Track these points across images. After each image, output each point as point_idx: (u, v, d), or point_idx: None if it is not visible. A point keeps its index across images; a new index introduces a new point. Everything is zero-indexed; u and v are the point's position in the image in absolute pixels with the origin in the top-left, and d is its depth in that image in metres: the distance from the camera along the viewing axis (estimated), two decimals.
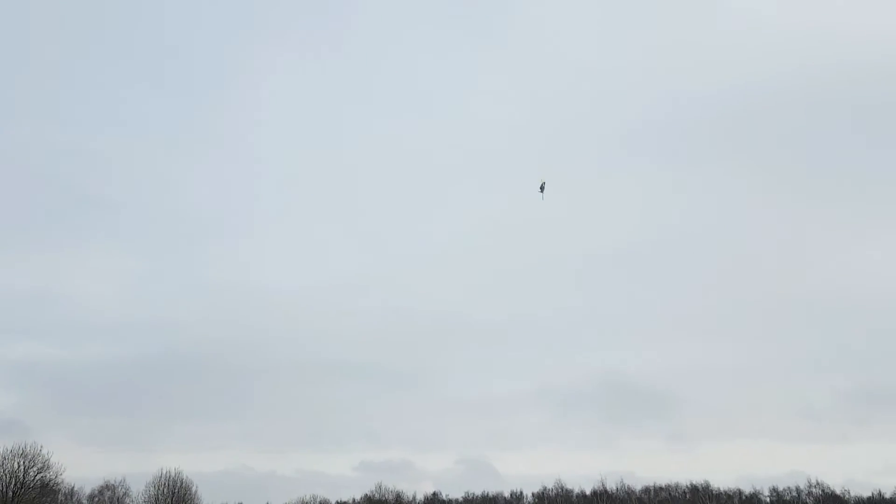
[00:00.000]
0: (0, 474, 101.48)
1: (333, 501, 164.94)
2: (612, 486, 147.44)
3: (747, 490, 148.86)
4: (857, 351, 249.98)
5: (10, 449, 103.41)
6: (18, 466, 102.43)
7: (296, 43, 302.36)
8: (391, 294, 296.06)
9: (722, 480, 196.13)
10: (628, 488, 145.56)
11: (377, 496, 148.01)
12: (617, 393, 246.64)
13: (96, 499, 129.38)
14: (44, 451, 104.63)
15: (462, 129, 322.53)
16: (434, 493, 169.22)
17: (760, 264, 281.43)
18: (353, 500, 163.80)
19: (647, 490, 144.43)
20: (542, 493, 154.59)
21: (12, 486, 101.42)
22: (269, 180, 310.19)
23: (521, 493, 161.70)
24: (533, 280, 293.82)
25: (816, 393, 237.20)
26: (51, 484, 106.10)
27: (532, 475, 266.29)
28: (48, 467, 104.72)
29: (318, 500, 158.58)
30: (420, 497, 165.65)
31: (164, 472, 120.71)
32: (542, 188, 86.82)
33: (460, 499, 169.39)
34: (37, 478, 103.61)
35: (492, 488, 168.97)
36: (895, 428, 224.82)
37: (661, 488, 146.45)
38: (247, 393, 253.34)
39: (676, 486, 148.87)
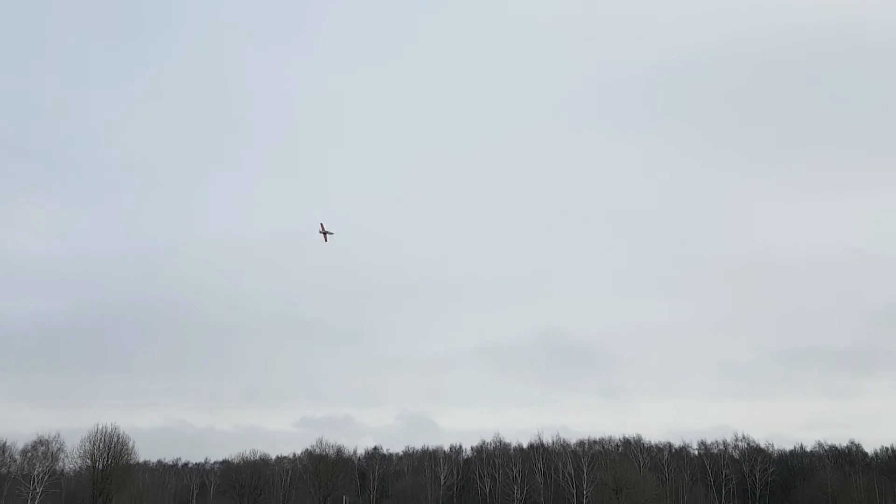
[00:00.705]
0: None
1: (274, 456, 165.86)
2: (548, 439, 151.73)
3: (677, 443, 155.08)
4: (782, 311, 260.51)
5: None
6: None
7: None
8: (338, 252, 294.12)
9: (653, 434, 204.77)
10: (564, 441, 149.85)
11: (318, 451, 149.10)
12: (554, 351, 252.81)
13: (29, 454, 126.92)
14: None
15: (412, 86, 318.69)
16: (375, 448, 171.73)
17: (698, 226, 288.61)
18: (294, 455, 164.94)
19: (581, 443, 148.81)
20: (481, 446, 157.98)
21: None
22: (208, 131, 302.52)
23: (461, 446, 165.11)
24: (474, 239, 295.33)
25: (743, 352, 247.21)
26: None
27: (471, 430, 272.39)
28: None
29: (259, 454, 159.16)
30: (361, 452, 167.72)
31: (101, 427, 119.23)
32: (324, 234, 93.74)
33: (401, 453, 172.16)
34: None
35: (432, 443, 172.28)
36: (817, 385, 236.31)
37: (595, 441, 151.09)
38: (185, 350, 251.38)
39: (610, 439, 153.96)
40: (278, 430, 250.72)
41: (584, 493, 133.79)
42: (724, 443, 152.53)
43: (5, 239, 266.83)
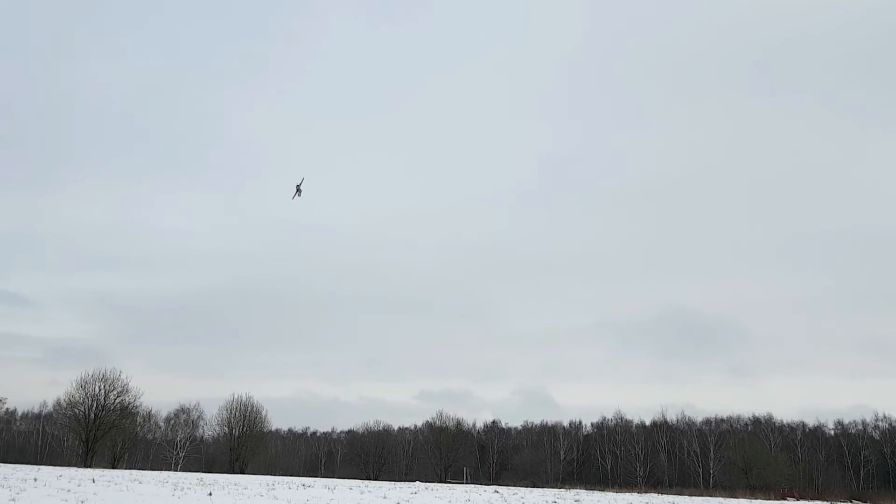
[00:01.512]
0: (83, 398, 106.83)
1: (396, 427, 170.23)
2: (672, 417, 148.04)
3: (811, 423, 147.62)
4: None
5: (91, 374, 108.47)
6: (100, 390, 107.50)
7: None
8: (450, 230, 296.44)
9: (784, 413, 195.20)
10: (689, 419, 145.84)
11: (438, 423, 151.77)
12: (676, 326, 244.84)
13: (172, 421, 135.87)
14: (122, 377, 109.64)
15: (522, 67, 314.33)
16: (493, 422, 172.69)
17: (819, 194, 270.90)
18: (415, 426, 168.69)
19: (707, 421, 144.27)
20: (602, 422, 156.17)
21: (94, 408, 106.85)
22: (327, 115, 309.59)
23: (580, 422, 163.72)
24: (587, 212, 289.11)
25: (883, 327, 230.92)
26: (130, 407, 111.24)
27: (590, 406, 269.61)
28: (127, 391, 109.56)
29: (381, 425, 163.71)
30: (480, 425, 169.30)
31: (236, 396, 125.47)
32: (298, 189, 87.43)
33: (519, 427, 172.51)
34: (117, 401, 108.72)
35: (550, 418, 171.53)
36: None
37: (722, 420, 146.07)
38: (311, 323, 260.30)
39: (738, 417, 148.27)
40: (399, 402, 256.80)
41: (711, 472, 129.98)
42: (864, 423, 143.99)
43: (144, 218, 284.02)
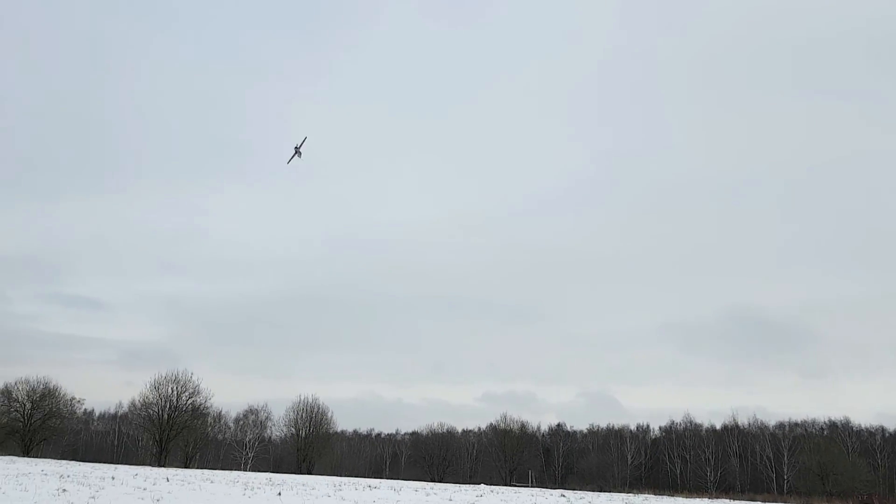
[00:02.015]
0: (157, 399, 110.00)
1: (460, 429, 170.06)
2: (743, 421, 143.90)
3: (891, 427, 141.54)
4: None
5: (164, 375, 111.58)
6: (172, 391, 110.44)
7: None
8: (509, 230, 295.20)
9: (862, 418, 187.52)
10: (761, 423, 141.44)
11: (502, 425, 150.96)
12: (744, 327, 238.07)
13: (241, 422, 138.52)
14: (194, 378, 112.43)
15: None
16: (558, 424, 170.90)
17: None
18: (479, 429, 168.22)
19: (781, 426, 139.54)
20: (670, 426, 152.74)
21: (167, 409, 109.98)
22: (385, 118, 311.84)
23: (648, 426, 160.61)
24: (650, 212, 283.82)
25: None
26: (201, 408, 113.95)
27: (657, 409, 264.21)
28: (198, 392, 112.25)
29: (446, 427, 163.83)
30: (545, 428, 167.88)
31: (302, 398, 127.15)
32: (298, 150, 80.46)
33: (585, 430, 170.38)
34: (188, 402, 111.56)
35: (615, 421, 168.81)
36: None
37: (796, 424, 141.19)
38: (373, 326, 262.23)
39: (813, 422, 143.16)
40: (462, 404, 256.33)
41: (785, 477, 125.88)
42: None
43: (211, 224, 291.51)
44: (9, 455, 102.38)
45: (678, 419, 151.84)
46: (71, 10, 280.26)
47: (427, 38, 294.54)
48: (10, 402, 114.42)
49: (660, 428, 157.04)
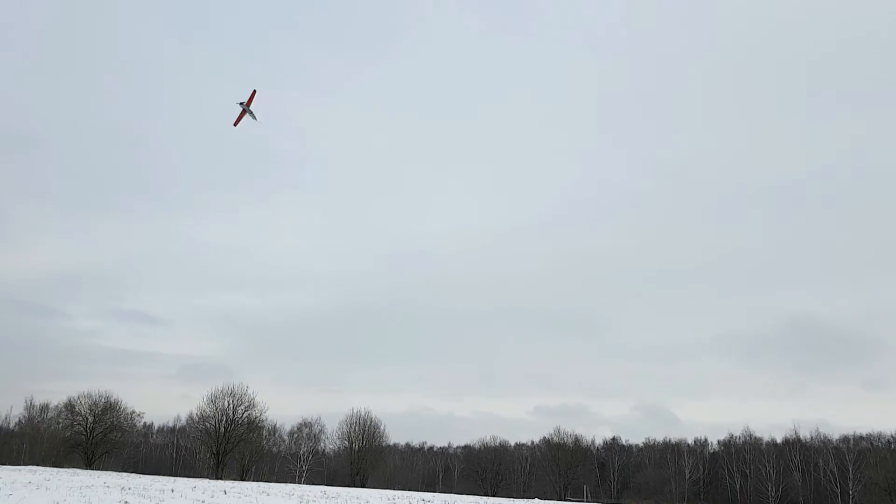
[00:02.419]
0: (213, 412, 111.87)
1: (512, 443, 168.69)
2: (806, 434, 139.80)
3: None
4: None
5: (220, 389, 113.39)
6: (228, 405, 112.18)
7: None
8: (561, 240, 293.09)
9: None
10: (824, 437, 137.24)
11: (555, 439, 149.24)
12: (804, 338, 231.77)
13: (295, 435, 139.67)
14: (249, 392, 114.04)
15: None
16: (613, 438, 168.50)
17: None
18: (532, 442, 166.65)
19: (845, 439, 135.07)
20: (729, 440, 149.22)
21: (223, 422, 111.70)
22: (431, 130, 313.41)
23: (706, 440, 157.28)
24: (704, 223, 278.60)
25: None
26: (256, 421, 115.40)
27: (715, 423, 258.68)
28: (253, 406, 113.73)
29: (498, 440, 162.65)
30: (599, 441, 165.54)
31: (355, 411, 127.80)
32: (247, 109, 69.91)
33: (640, 444, 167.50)
34: (244, 415, 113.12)
35: (672, 434, 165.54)
36: None
37: (861, 437, 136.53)
38: (424, 338, 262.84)
39: (879, 435, 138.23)
40: (514, 417, 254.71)
41: (851, 493, 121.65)
42: None
43: (265, 240, 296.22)
44: (72, 468, 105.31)
45: (737, 433, 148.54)
46: (118, 33, 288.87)
47: (464, 44, 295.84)
48: (73, 416, 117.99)
49: (718, 442, 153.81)
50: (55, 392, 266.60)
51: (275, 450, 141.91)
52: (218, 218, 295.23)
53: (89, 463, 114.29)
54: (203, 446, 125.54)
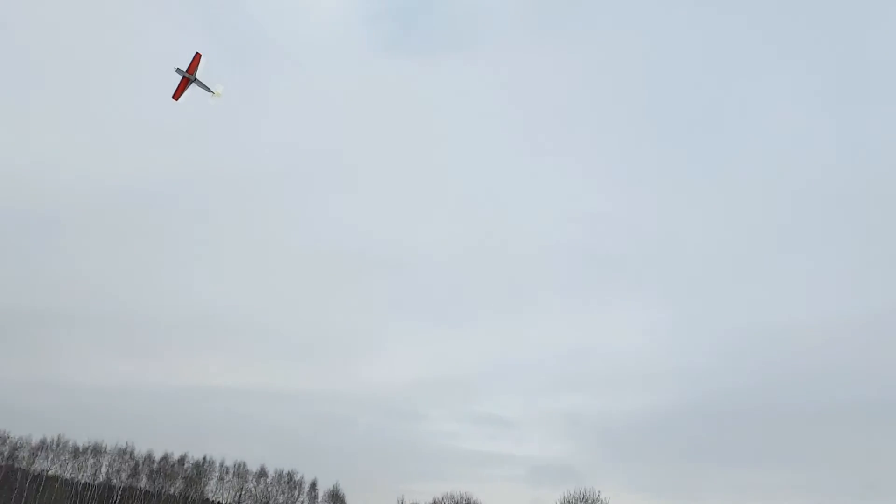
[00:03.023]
0: None
1: None
2: None
3: None
4: None
5: (572, 493, 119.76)
6: None
7: None
8: None
9: None
10: None
11: None
12: None
13: None
14: (601, 496, 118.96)
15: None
16: None
17: None
18: None
19: None
20: None
21: None
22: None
23: None
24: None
25: None
26: None
27: None
28: None
29: None
30: None
31: None
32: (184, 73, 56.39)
33: None
34: None
35: None
36: None
37: None
38: (799, 438, 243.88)
39: None
40: None
41: None
42: None
43: (606, 341, 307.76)
44: None
45: None
46: None
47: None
48: None
49: None
50: (422, 493, 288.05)
51: None
52: (558, 322, 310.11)
53: None
54: None
